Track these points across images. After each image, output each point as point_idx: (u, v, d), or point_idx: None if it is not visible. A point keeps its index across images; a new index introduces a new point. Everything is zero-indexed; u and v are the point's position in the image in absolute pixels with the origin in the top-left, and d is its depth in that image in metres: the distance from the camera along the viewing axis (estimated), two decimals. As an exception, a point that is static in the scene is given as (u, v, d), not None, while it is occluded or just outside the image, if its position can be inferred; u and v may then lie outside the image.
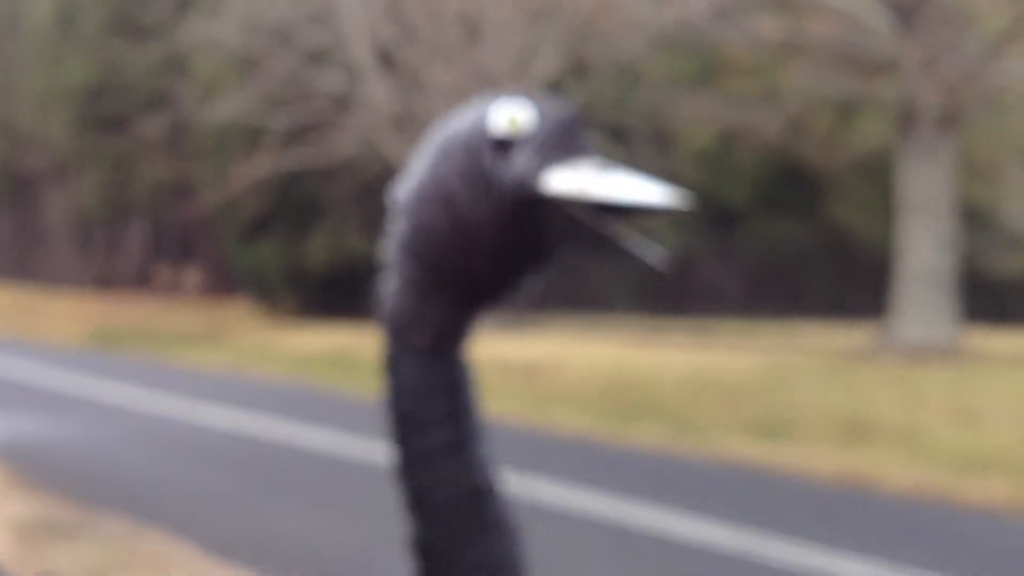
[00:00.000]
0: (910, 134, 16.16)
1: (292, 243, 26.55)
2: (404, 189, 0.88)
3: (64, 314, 30.08)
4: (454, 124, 0.87)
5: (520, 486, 8.30)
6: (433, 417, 0.84)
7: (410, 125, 22.09)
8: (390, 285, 0.85)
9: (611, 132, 23.35)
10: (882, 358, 15.57)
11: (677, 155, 25.35)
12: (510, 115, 0.85)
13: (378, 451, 10.84)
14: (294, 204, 26.40)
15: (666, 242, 18.21)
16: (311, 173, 25.01)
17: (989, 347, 16.71)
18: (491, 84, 21.10)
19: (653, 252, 0.81)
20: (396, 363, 0.83)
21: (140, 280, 37.76)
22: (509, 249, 0.83)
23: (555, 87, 22.22)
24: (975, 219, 23.11)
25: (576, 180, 0.81)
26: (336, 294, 26.74)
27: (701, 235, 27.51)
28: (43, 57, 36.63)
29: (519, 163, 0.83)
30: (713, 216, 27.50)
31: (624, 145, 23.46)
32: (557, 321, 23.65)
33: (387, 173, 24.02)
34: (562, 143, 0.83)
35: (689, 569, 6.93)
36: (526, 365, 15.13)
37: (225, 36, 23.42)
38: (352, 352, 19.98)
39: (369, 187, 25.84)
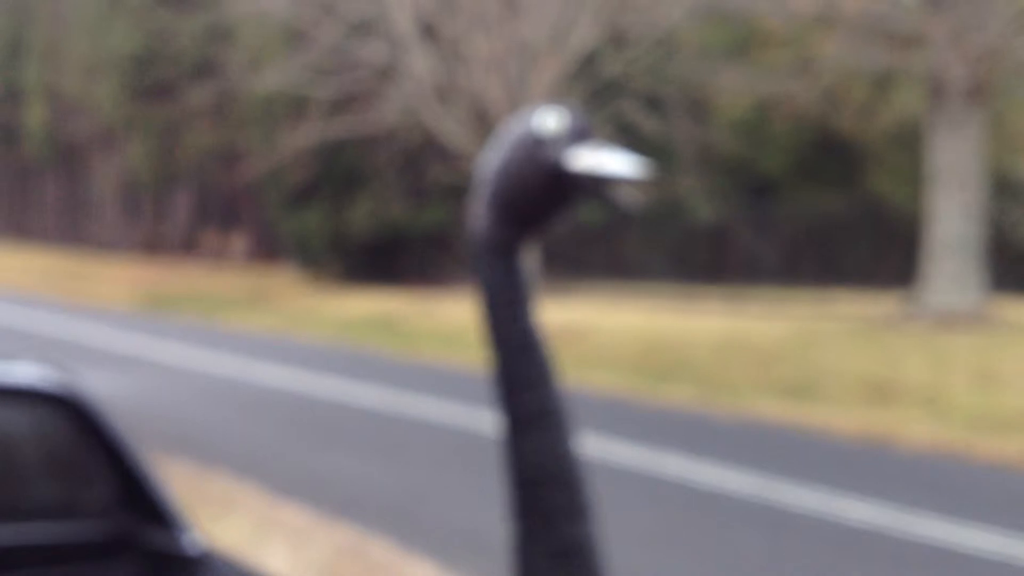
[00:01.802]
0: (939, 106, 16.49)
1: (336, 210, 27.17)
2: (488, 165, 1.43)
3: (114, 279, 30.90)
4: (517, 126, 1.43)
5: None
6: (503, 295, 1.42)
7: (451, 95, 22.57)
8: (480, 220, 1.42)
9: (647, 102, 23.73)
10: (910, 324, 15.98)
11: (714, 125, 25.69)
12: (548, 121, 1.41)
13: (421, 407, 11.43)
14: (338, 172, 27.01)
15: (701, 211, 18.46)
16: (355, 142, 25.56)
17: (1016, 315, 17.05)
18: (530, 55, 21.53)
19: (632, 200, 1.37)
20: (484, 263, 1.41)
21: (187, 246, 38.59)
22: (549, 199, 1.42)
23: (592, 57, 22.60)
24: (1011, 190, 23.33)
25: (586, 160, 1.38)
26: (378, 260, 27.38)
27: (738, 205, 27.86)
28: (90, 26, 37.37)
29: (554, 151, 1.39)
30: (750, 186, 27.84)
31: (660, 114, 23.83)
32: (596, 288, 24.15)
33: (428, 142, 24.57)
34: (579, 138, 1.39)
35: (713, 512, 7.47)
36: (566, 329, 15.64)
37: (271, 6, 23.97)
38: (394, 316, 20.60)
39: (411, 156, 26.40)
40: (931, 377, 12.23)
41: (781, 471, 8.49)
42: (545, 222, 1.46)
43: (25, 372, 2.73)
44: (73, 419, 2.71)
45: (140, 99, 35.24)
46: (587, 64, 22.53)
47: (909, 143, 23.91)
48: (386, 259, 27.42)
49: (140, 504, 2.71)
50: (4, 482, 2.68)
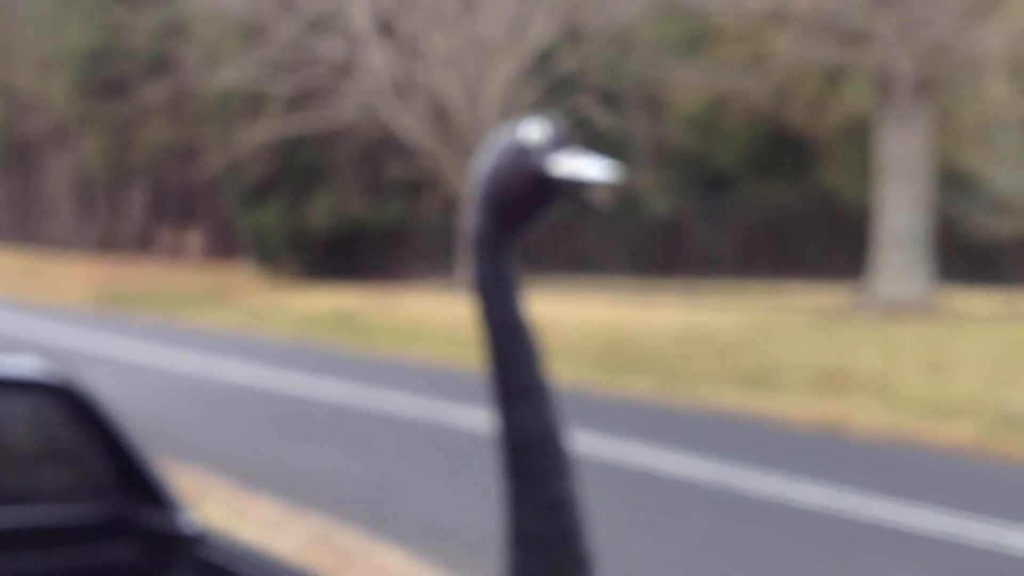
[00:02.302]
0: (888, 100, 16.86)
1: (294, 206, 27.19)
2: (479, 170, 1.61)
3: (69, 277, 30.73)
4: (503, 136, 1.62)
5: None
6: (494, 285, 1.60)
7: (409, 91, 22.68)
8: (474, 220, 1.61)
9: (603, 97, 23.95)
10: (860, 315, 16.33)
11: (668, 120, 25.96)
12: (533, 131, 1.60)
13: (383, 401, 11.58)
14: (296, 168, 27.03)
15: (657, 205, 18.64)
16: (313, 138, 25.61)
17: (963, 305, 17.46)
18: (486, 51, 21.69)
19: (604, 200, 1.56)
20: (477, 258, 1.60)
21: (142, 243, 38.40)
22: (533, 201, 1.61)
23: (548, 53, 22.79)
24: (960, 182, 23.77)
25: (565, 166, 1.57)
26: (337, 256, 27.43)
27: (693, 199, 28.18)
28: (44, 21, 37.06)
29: (537, 158, 1.58)
30: (704, 180, 28.17)
31: (615, 110, 24.07)
32: (555, 282, 24.35)
33: (386, 138, 24.67)
34: (559, 146, 1.58)
35: (673, 499, 7.69)
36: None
37: (228, 2, 23.95)
38: (354, 312, 20.70)
39: (369, 152, 26.48)
40: (882, 366, 12.54)
41: (739, 458, 8.73)
42: (530, 221, 1.65)
43: (23, 364, 2.88)
44: (70, 407, 2.86)
45: (95, 95, 35.01)
46: (543, 60, 22.72)
47: (859, 137, 24.30)
48: (345, 255, 27.49)
49: (137, 486, 2.86)
50: (6, 468, 2.82)
